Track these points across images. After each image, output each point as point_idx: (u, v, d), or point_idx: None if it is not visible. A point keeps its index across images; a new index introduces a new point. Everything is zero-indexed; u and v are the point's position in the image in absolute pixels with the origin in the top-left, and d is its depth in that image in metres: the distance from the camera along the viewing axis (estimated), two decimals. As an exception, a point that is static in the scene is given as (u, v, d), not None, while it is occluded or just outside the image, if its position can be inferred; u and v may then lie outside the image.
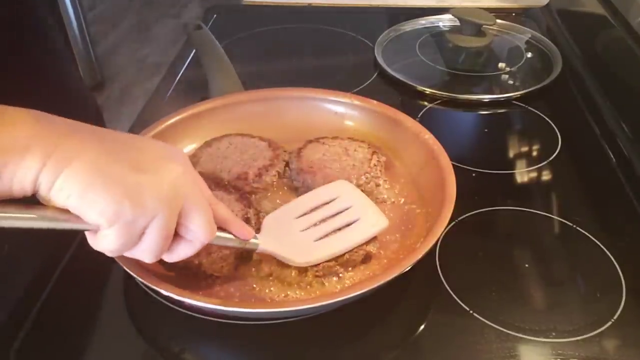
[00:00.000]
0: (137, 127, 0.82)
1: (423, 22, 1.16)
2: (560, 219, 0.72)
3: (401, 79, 0.98)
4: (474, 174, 0.79)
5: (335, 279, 0.61)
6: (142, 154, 0.46)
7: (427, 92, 0.96)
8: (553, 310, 0.62)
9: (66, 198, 0.42)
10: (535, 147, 0.87)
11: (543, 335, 0.58)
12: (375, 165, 0.71)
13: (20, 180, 0.40)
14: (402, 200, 0.71)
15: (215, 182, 0.69)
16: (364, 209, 0.65)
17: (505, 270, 0.66)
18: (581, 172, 0.81)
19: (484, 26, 1.06)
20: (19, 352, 0.58)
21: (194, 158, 0.73)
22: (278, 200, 0.70)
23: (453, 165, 0.68)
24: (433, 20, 1.16)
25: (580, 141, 0.87)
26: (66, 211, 0.43)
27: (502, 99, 0.95)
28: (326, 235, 0.62)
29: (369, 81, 1.00)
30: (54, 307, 0.62)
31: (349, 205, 0.65)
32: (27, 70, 0.72)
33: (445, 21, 1.15)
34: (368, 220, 0.63)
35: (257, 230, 0.63)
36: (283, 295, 0.60)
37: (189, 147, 0.77)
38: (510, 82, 1.01)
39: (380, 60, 1.03)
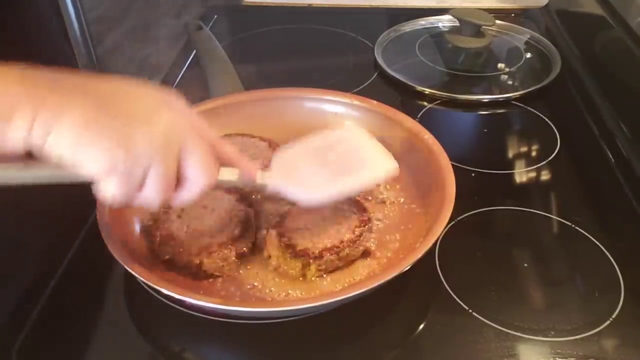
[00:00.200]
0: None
1: (423, 22, 1.16)
2: (559, 219, 0.72)
3: (401, 79, 0.99)
4: (473, 174, 0.79)
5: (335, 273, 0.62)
6: (132, 103, 0.46)
7: (427, 93, 0.96)
8: (552, 310, 0.62)
9: (59, 154, 0.42)
10: (534, 147, 0.87)
11: (542, 335, 0.59)
12: None
13: (12, 140, 0.41)
14: (402, 200, 0.72)
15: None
16: (372, 151, 0.64)
17: (505, 269, 0.67)
18: (580, 172, 0.81)
19: (483, 27, 1.06)
20: (20, 352, 0.58)
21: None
22: (278, 200, 0.70)
23: (452, 165, 0.68)
24: (433, 21, 1.16)
25: (579, 141, 0.87)
26: (63, 165, 0.43)
27: (502, 99, 0.96)
28: (336, 176, 0.61)
29: (369, 81, 1.00)
30: (55, 307, 0.63)
31: (357, 148, 0.64)
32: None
33: (444, 22, 1.16)
34: (377, 164, 0.63)
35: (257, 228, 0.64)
36: (284, 294, 0.61)
37: (190, 147, 0.77)
38: (510, 82, 1.01)
39: (380, 60, 1.03)
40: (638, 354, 0.57)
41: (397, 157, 0.75)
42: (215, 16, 1.22)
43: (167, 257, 0.62)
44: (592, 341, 0.58)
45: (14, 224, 0.62)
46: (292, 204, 0.66)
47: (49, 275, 0.65)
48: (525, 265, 0.67)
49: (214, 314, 0.59)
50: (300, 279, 0.61)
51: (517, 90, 0.97)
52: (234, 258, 0.62)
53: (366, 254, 0.64)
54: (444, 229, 0.60)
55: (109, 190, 0.45)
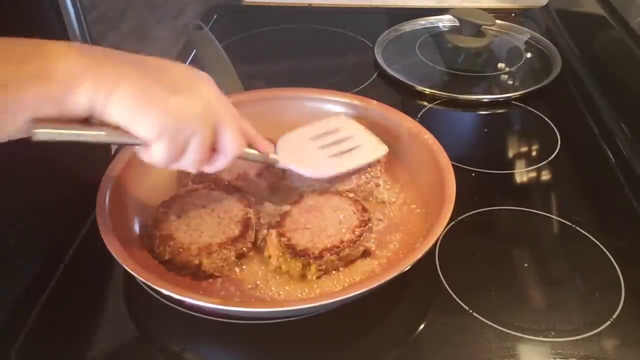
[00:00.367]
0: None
1: (423, 22, 1.16)
2: (560, 219, 0.72)
3: (401, 79, 0.99)
4: (473, 174, 0.79)
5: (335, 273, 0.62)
6: (173, 76, 0.51)
7: (427, 92, 0.96)
8: (552, 310, 0.62)
9: (118, 118, 0.47)
10: (534, 147, 0.87)
11: (542, 335, 0.59)
12: (375, 165, 0.71)
13: (79, 105, 0.46)
14: (402, 200, 0.72)
15: (215, 182, 0.69)
16: (364, 138, 0.72)
17: (505, 269, 0.66)
18: (580, 172, 0.81)
19: (483, 26, 1.07)
20: (20, 352, 0.58)
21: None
22: (278, 200, 0.70)
23: (453, 165, 0.68)
24: (433, 21, 1.16)
25: (579, 141, 0.87)
26: (119, 129, 0.48)
27: (502, 99, 0.96)
28: (337, 154, 0.69)
29: (369, 81, 1.00)
30: (55, 307, 0.62)
31: (351, 134, 0.72)
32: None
33: (444, 21, 1.16)
34: (370, 147, 0.71)
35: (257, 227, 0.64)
36: (284, 294, 0.60)
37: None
38: (510, 82, 1.01)
39: (380, 60, 1.03)
40: (639, 354, 0.57)
41: (397, 157, 0.75)
42: (215, 16, 1.22)
43: (167, 257, 0.62)
44: (593, 341, 0.58)
45: (14, 224, 0.62)
46: (292, 203, 0.67)
47: (49, 275, 0.65)
48: (526, 265, 0.67)
49: (213, 314, 0.59)
50: (301, 279, 0.61)
51: (517, 90, 0.97)
52: (233, 258, 0.62)
53: (366, 254, 0.64)
54: (444, 229, 0.60)
55: (156, 153, 0.50)
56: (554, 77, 0.98)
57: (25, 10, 0.70)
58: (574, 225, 0.71)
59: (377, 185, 0.72)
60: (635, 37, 0.89)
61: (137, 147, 0.52)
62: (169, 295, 0.55)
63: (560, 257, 0.69)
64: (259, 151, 0.62)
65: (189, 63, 1.04)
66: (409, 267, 0.57)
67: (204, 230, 0.63)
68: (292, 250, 0.61)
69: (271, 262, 0.62)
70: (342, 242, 0.62)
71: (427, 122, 0.80)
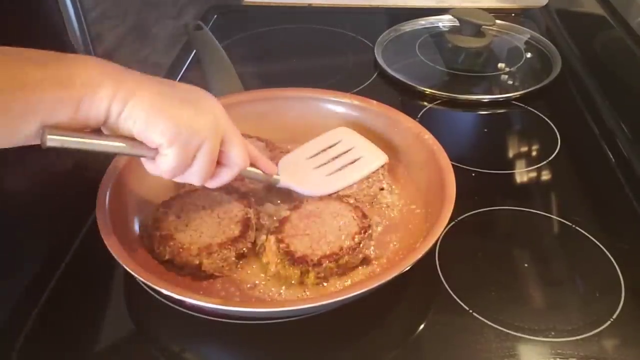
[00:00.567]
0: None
1: (423, 22, 1.16)
2: (560, 219, 0.72)
3: (401, 79, 0.99)
4: (473, 174, 0.79)
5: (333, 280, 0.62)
6: (184, 91, 0.54)
7: (427, 92, 0.96)
8: (552, 310, 0.62)
9: (133, 124, 0.49)
10: (534, 147, 0.87)
11: (542, 335, 0.59)
12: (377, 170, 0.71)
13: (96, 110, 0.47)
14: (402, 200, 0.72)
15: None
16: (364, 148, 0.73)
17: (505, 270, 0.66)
18: (580, 172, 0.81)
19: (483, 26, 1.06)
20: (20, 352, 0.58)
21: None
22: (278, 201, 0.71)
23: (453, 165, 0.68)
24: (433, 21, 1.16)
25: (579, 141, 0.87)
26: (130, 139, 0.51)
27: (502, 99, 0.96)
28: (336, 171, 0.70)
29: (369, 81, 1.00)
30: (55, 307, 0.63)
31: (351, 146, 0.73)
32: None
33: (445, 21, 1.16)
34: (370, 158, 0.71)
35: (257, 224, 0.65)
36: (284, 294, 0.60)
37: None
38: (510, 82, 1.01)
39: (380, 60, 1.03)
40: (639, 354, 0.57)
41: (397, 157, 0.75)
42: (215, 16, 1.22)
43: (167, 257, 0.62)
44: (593, 341, 0.58)
45: (14, 224, 0.62)
46: (292, 208, 0.67)
47: (49, 275, 0.65)
48: (526, 265, 0.67)
49: (214, 314, 0.59)
50: (299, 285, 0.61)
51: (517, 90, 0.97)
52: (233, 258, 0.62)
53: (365, 261, 0.63)
54: (444, 229, 0.60)
55: (165, 161, 0.52)
56: (554, 77, 0.98)
57: (25, 10, 0.70)
58: (574, 225, 0.71)
59: (381, 189, 0.71)
60: (635, 37, 0.89)
61: (144, 159, 0.54)
62: (169, 295, 0.55)
63: (560, 257, 0.69)
64: (262, 172, 0.64)
65: (189, 63, 1.04)
66: (409, 268, 0.57)
67: (204, 230, 0.63)
68: (291, 257, 0.60)
69: (269, 269, 0.62)
70: (341, 249, 0.61)
71: (427, 122, 0.80)
